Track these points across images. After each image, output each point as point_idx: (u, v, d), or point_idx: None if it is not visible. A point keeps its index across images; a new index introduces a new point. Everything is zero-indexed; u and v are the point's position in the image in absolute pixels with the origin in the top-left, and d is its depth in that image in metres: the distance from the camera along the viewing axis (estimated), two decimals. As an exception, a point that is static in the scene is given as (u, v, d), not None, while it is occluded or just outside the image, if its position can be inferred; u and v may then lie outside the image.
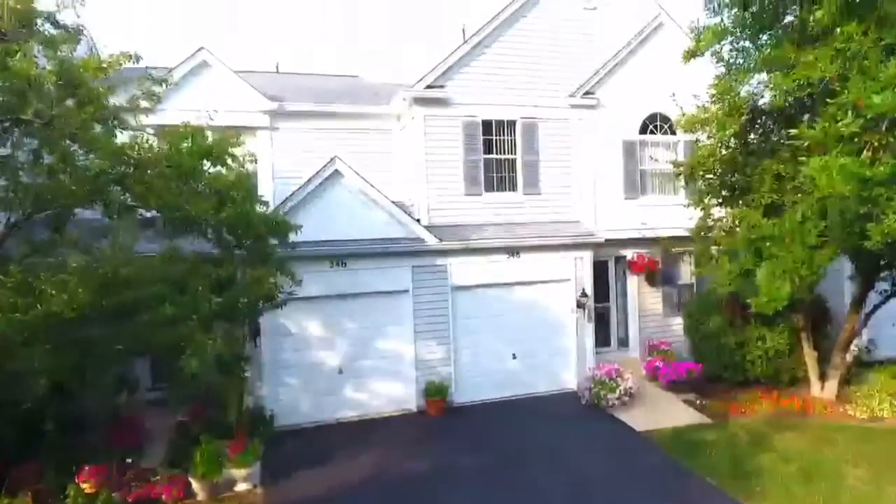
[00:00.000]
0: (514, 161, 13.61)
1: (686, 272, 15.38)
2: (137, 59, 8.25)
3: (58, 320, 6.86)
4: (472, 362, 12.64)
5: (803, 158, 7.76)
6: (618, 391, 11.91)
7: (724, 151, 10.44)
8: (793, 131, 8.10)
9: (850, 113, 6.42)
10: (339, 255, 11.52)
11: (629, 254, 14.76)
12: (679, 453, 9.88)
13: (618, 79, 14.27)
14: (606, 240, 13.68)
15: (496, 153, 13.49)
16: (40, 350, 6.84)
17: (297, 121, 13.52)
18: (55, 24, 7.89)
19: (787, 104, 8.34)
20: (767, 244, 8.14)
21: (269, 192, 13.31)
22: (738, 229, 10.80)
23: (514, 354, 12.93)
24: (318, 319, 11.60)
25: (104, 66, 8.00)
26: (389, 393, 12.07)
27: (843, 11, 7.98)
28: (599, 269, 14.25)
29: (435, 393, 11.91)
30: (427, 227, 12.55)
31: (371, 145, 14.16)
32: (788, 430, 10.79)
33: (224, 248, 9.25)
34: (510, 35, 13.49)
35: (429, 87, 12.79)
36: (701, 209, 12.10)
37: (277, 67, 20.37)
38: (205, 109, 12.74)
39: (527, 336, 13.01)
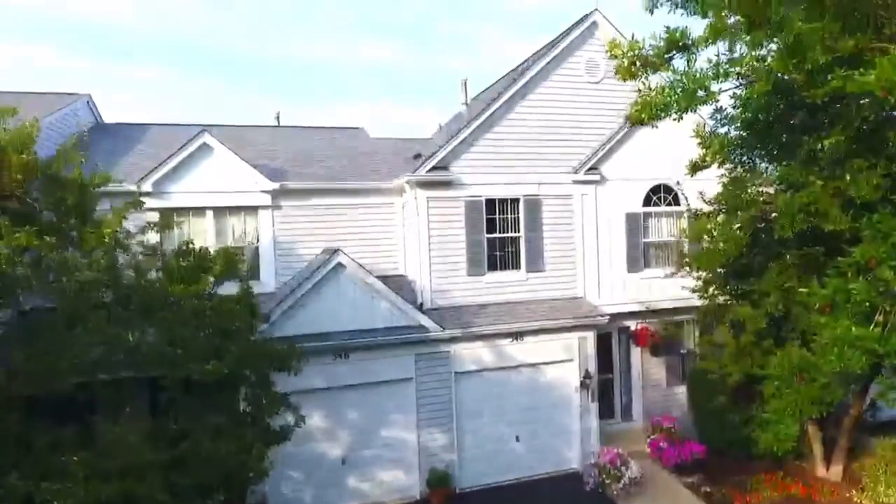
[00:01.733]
0: (517, 239, 13.54)
1: (689, 340, 15.32)
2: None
3: None
4: (475, 446, 12.60)
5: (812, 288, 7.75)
6: (622, 481, 11.88)
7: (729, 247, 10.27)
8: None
9: (861, 276, 6.36)
10: (343, 348, 11.47)
11: (633, 324, 14.71)
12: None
13: (623, 152, 14.19)
14: (610, 315, 13.63)
15: (499, 232, 13.42)
16: None
17: (298, 198, 13.44)
18: None
19: (793, 232, 8.28)
20: (775, 383, 8.06)
21: (272, 269, 13.31)
22: (743, 328, 10.74)
23: (517, 437, 12.88)
24: (321, 411, 11.54)
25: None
26: (393, 482, 12.03)
27: (852, 141, 7.92)
28: (603, 340, 14.19)
29: (437, 482, 11.87)
30: (429, 310, 12.53)
31: (373, 218, 14.06)
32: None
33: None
34: (514, 113, 13.42)
35: (432, 169, 12.72)
36: (705, 299, 12.03)
37: (278, 118, 20.32)
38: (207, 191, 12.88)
39: (530, 417, 12.96)
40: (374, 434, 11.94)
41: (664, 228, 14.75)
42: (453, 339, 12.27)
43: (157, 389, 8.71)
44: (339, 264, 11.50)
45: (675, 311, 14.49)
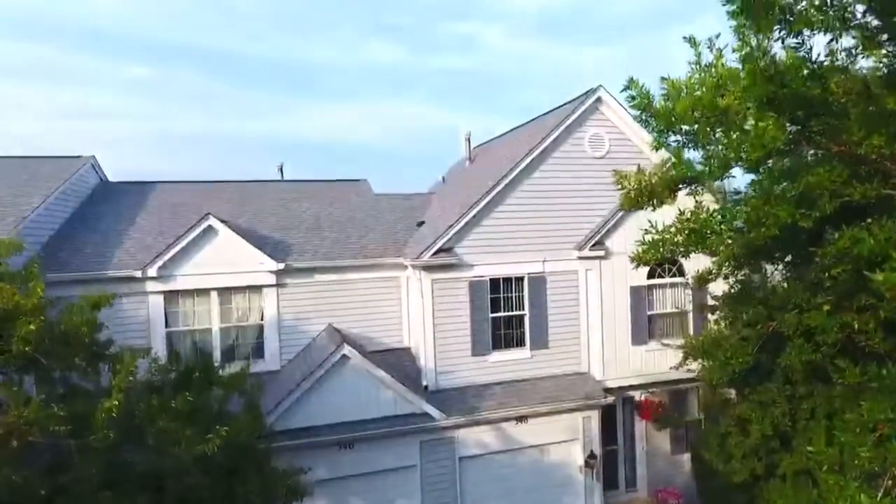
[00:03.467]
0: (521, 317, 13.53)
1: (693, 408, 15.30)
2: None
3: None
4: (480, 529, 12.62)
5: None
6: (627, 569, 11.88)
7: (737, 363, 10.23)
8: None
9: (871, 433, 6.33)
10: (348, 440, 11.48)
11: (637, 394, 14.69)
12: None
13: (628, 226, 14.08)
14: (615, 388, 13.63)
15: (503, 310, 13.41)
16: None
17: (302, 276, 13.45)
18: None
19: (802, 363, 8.26)
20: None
21: (276, 347, 13.31)
22: (750, 425, 10.72)
23: (521, 519, 12.90)
24: (324, 501, 11.54)
25: None
26: (397, 569, 12.04)
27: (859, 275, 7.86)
28: (607, 410, 14.15)
29: (442, 571, 11.89)
30: (433, 392, 12.55)
31: (376, 292, 14.06)
32: None
33: None
34: (518, 191, 13.41)
35: (437, 252, 12.70)
36: (711, 386, 12.01)
37: (282, 170, 20.34)
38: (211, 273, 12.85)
39: (535, 499, 12.97)
40: (378, 522, 11.95)
41: (668, 300, 14.71)
42: (458, 425, 12.27)
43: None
44: (344, 356, 11.50)
45: (679, 380, 14.47)
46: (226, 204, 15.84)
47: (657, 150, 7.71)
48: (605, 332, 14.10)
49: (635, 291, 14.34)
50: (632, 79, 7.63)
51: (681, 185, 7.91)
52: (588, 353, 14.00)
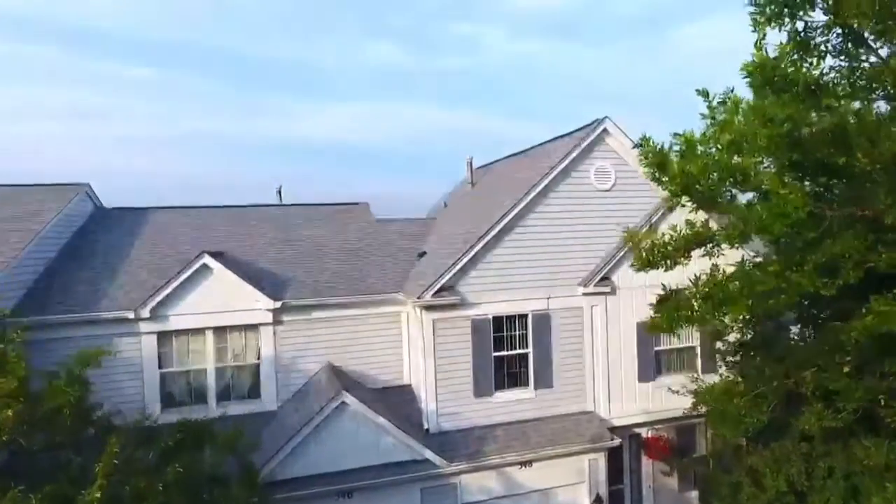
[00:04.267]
0: (525, 356, 13.16)
1: (702, 444, 14.92)
2: None
3: None
4: (483, 576, 12.25)
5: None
6: None
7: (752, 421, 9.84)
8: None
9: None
10: (347, 489, 11.11)
11: (644, 431, 14.32)
12: None
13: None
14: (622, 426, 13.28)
15: (507, 349, 13.04)
16: None
17: (300, 313, 13.08)
18: None
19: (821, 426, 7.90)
20: None
21: (273, 387, 12.95)
22: (764, 478, 10.33)
23: (526, 565, 12.53)
24: (324, 551, 11.20)
25: None
26: None
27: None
28: (613, 448, 13.78)
29: None
30: (434, 435, 12.20)
31: (376, 328, 13.69)
32: None
33: None
34: (522, 228, 13.04)
35: (438, 291, 12.32)
36: (721, 437, 11.64)
37: (280, 193, 19.95)
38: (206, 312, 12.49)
39: (539, 543, 12.61)
40: (378, 571, 11.58)
41: (678, 335, 14.32)
42: (461, 471, 11.90)
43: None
44: (343, 403, 11.13)
45: (688, 416, 14.08)
46: (223, 233, 15.48)
47: (671, 210, 7.34)
48: (611, 370, 13.74)
49: (643, 327, 13.94)
50: (645, 137, 7.28)
51: (695, 246, 7.53)
52: (594, 391, 13.62)
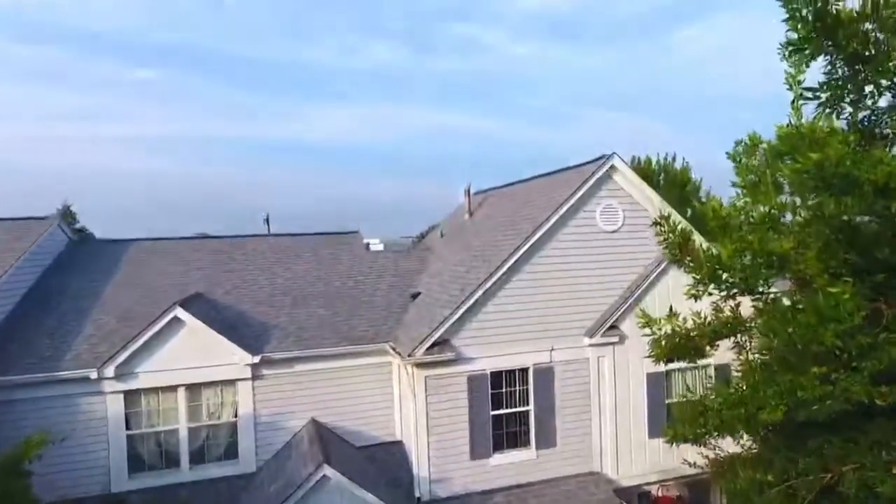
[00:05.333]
0: (526, 413, 12.11)
1: (717, 500, 13.87)
2: None
3: None
4: None
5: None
6: None
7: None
8: None
9: None
10: (328, 572, 10.09)
11: (654, 488, 13.27)
12: None
13: (648, 305, 12.69)
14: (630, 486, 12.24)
15: (506, 407, 12.00)
16: None
17: (282, 367, 12.07)
18: None
19: None
20: None
21: (251, 446, 11.94)
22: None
23: None
24: None
25: None
26: None
27: None
28: (621, 507, 12.80)
29: None
30: (428, 503, 11.18)
31: (365, 381, 12.67)
32: None
33: None
34: (523, 275, 11.99)
35: (432, 346, 11.29)
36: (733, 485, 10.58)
37: (268, 221, 18.98)
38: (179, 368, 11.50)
39: None
40: None
41: (689, 384, 13.26)
42: (455, 547, 10.90)
43: None
44: (325, 477, 10.10)
45: (702, 473, 13.03)
46: (203, 271, 14.48)
47: (696, 299, 6.30)
48: (619, 425, 12.68)
49: (653, 378, 12.91)
50: (663, 215, 6.24)
51: (725, 337, 6.48)
52: (600, 450, 12.57)
